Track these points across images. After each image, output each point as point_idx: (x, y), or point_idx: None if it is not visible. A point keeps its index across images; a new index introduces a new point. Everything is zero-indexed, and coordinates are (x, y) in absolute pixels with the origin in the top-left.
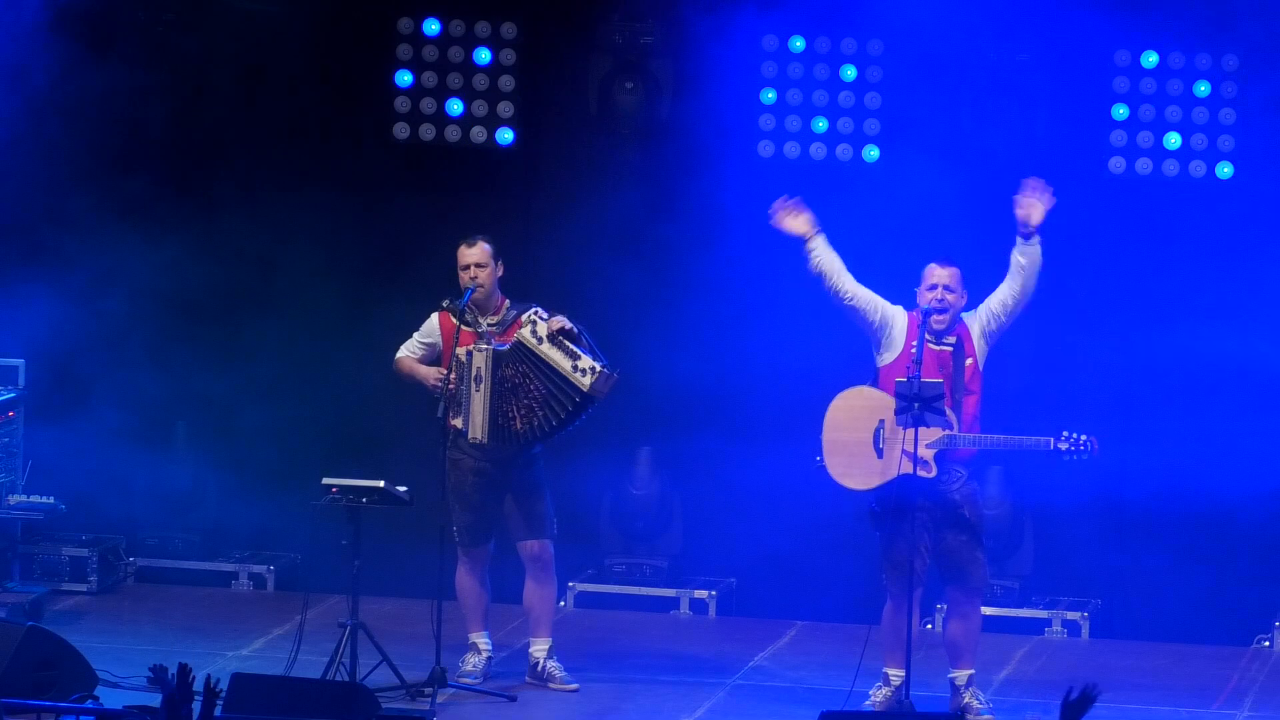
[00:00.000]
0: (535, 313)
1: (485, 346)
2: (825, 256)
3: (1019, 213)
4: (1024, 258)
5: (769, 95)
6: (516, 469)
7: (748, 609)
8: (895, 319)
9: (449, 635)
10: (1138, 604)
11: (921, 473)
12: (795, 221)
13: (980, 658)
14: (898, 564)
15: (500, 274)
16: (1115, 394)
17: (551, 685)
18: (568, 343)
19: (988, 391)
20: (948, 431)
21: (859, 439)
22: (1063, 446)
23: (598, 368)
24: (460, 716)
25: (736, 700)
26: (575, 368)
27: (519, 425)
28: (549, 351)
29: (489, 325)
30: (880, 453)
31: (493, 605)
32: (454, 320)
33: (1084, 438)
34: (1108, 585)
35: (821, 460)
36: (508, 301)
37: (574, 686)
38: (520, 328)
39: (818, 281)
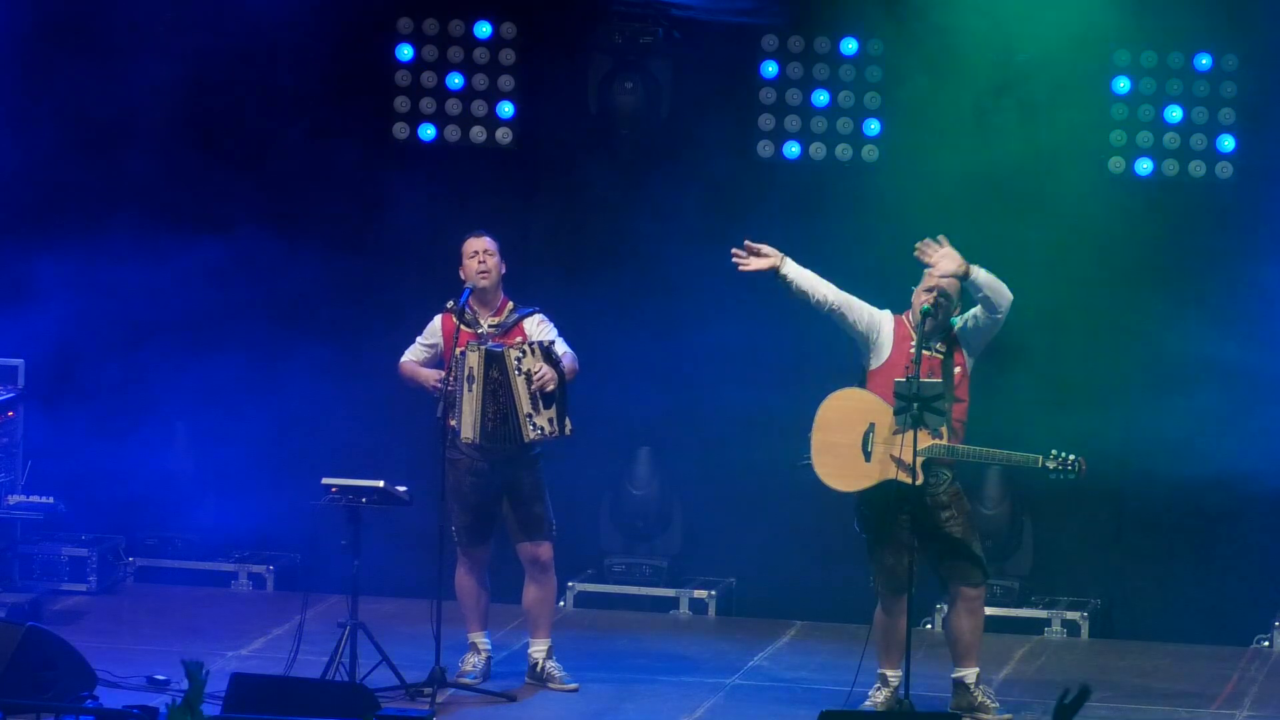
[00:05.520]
0: (536, 344)
1: (479, 346)
2: (799, 279)
3: (939, 272)
4: (977, 290)
5: (768, 95)
6: (516, 469)
7: (747, 609)
8: (883, 323)
9: (449, 635)
10: (1137, 604)
11: (906, 478)
12: (760, 261)
13: (980, 657)
14: (886, 567)
15: (504, 271)
16: (1115, 393)
17: (550, 685)
18: (538, 393)
19: (986, 389)
20: (938, 441)
21: (848, 441)
22: (1051, 465)
23: (547, 430)
24: (460, 716)
25: (736, 700)
26: (529, 416)
27: (491, 427)
28: (519, 385)
29: (489, 326)
30: (868, 455)
31: (493, 605)
32: (455, 321)
33: (1072, 457)
34: (1108, 585)
35: (807, 460)
36: (511, 304)
37: (573, 686)
38: (518, 338)
39: (802, 304)
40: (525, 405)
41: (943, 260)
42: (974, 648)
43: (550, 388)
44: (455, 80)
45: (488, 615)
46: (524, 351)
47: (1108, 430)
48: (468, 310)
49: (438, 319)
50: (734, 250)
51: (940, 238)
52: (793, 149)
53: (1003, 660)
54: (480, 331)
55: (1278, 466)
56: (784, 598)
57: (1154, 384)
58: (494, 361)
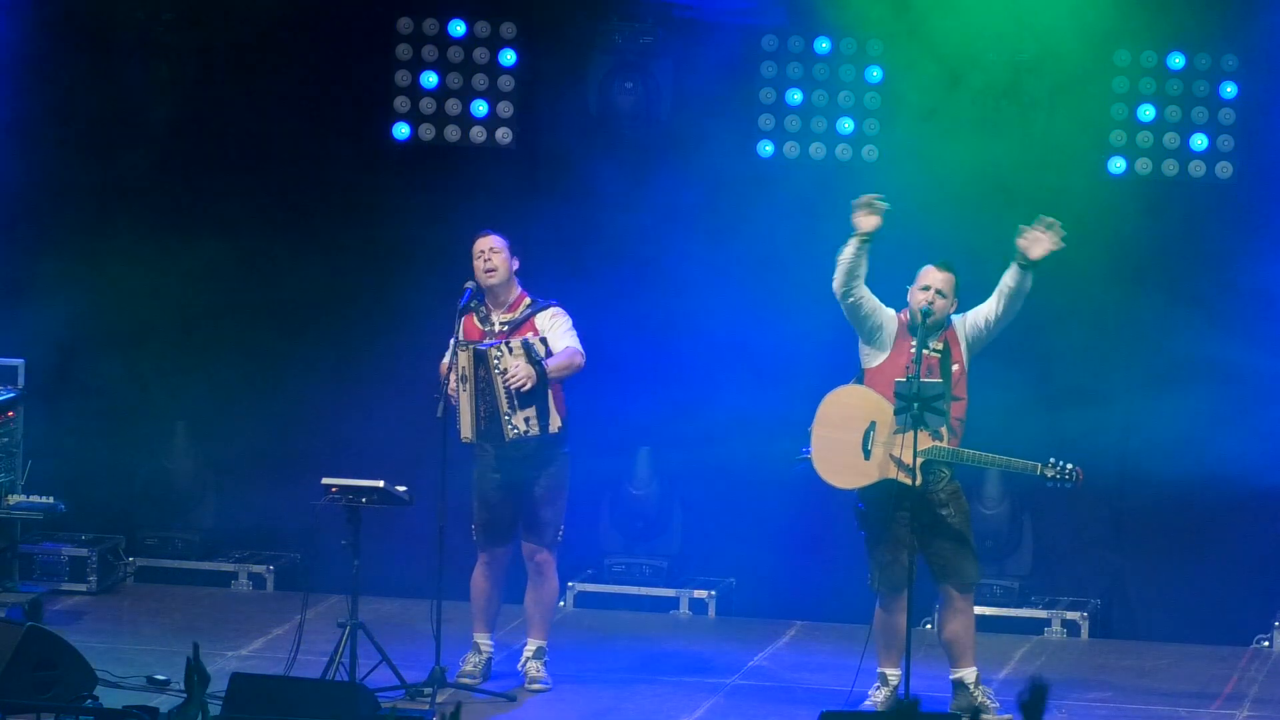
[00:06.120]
0: (520, 341)
1: (468, 345)
2: (861, 259)
3: (1020, 242)
4: (1013, 283)
5: (768, 95)
6: (532, 468)
7: (747, 609)
8: (888, 322)
9: (449, 635)
10: (1137, 604)
11: (906, 479)
12: (869, 220)
13: (980, 657)
14: (884, 564)
15: (516, 267)
16: (1114, 393)
17: (526, 685)
18: (514, 392)
19: (985, 389)
20: (938, 444)
21: (848, 439)
22: (1049, 474)
23: (523, 429)
24: (460, 716)
25: (736, 700)
26: (507, 416)
27: (484, 426)
28: (499, 384)
29: (501, 323)
30: (868, 454)
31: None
32: (474, 320)
33: (1070, 466)
34: (1107, 585)
35: (806, 455)
36: (527, 299)
37: (540, 688)
38: (528, 333)
39: (835, 269)
40: (504, 404)
41: (1036, 245)
42: (969, 648)
43: (524, 387)
44: (455, 80)
45: (496, 618)
46: (502, 350)
47: (1107, 430)
48: (483, 307)
49: (463, 319)
50: (867, 196)
51: (1054, 222)
52: (793, 149)
53: (1003, 660)
54: (488, 329)
55: (1277, 466)
56: (784, 598)
57: (1154, 384)
58: (481, 360)
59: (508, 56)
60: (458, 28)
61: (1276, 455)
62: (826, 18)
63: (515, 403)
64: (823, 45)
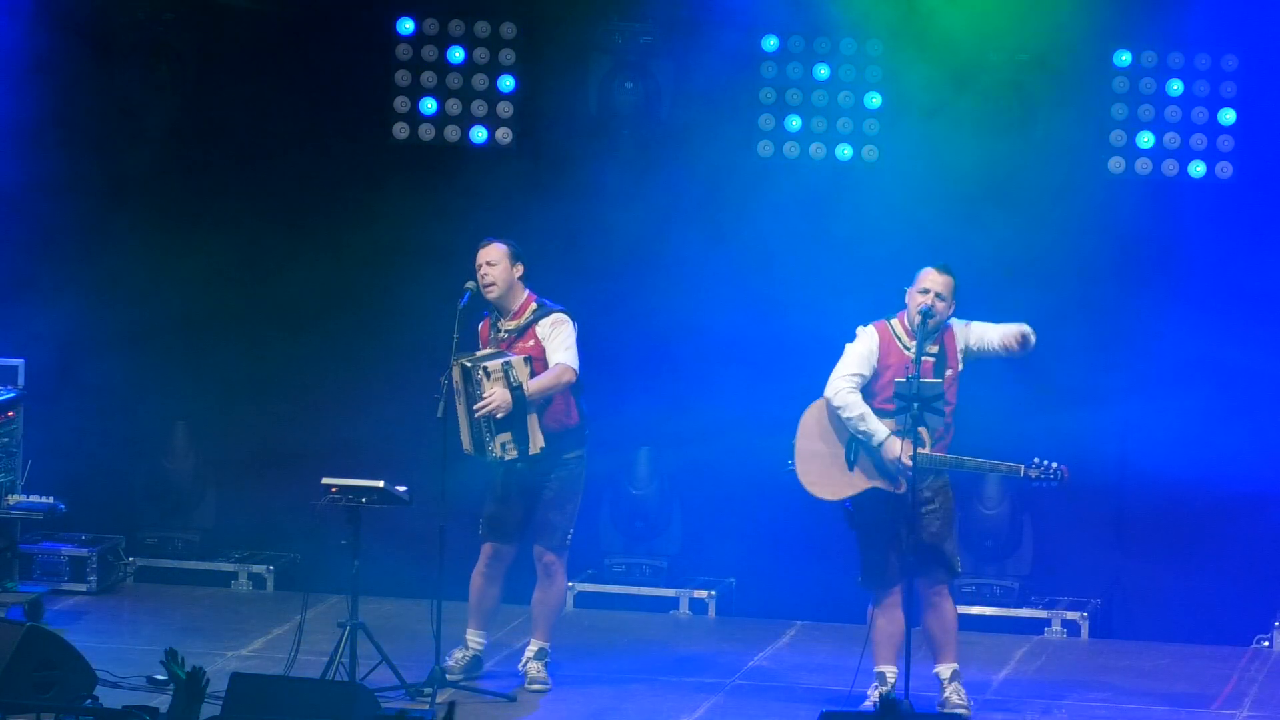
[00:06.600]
0: (491, 365)
1: (457, 361)
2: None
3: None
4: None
5: (768, 95)
6: (543, 471)
7: (747, 609)
8: (871, 353)
9: (449, 635)
10: (1138, 604)
11: (892, 487)
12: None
13: (980, 657)
14: (874, 564)
15: (520, 274)
16: (1114, 393)
17: (526, 685)
18: (488, 418)
19: (984, 388)
20: (922, 450)
21: (831, 451)
22: (1033, 474)
23: (499, 453)
24: (459, 716)
25: (736, 700)
26: (486, 439)
27: (478, 440)
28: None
29: (506, 332)
30: (852, 465)
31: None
32: (489, 326)
33: (1054, 465)
34: (1107, 585)
35: (791, 467)
36: (533, 304)
37: (540, 689)
38: (530, 341)
39: (845, 409)
40: (481, 427)
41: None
42: (947, 643)
43: (496, 414)
44: (455, 80)
45: (491, 616)
46: (481, 374)
47: (1107, 430)
48: (495, 313)
49: (479, 325)
50: None
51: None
52: (793, 149)
53: (1003, 660)
54: (494, 336)
55: (1277, 466)
56: (784, 598)
57: (1153, 384)
58: (467, 378)
59: (508, 56)
60: (458, 28)
61: (1276, 455)
62: (827, 18)
63: (491, 427)
64: (823, 45)
